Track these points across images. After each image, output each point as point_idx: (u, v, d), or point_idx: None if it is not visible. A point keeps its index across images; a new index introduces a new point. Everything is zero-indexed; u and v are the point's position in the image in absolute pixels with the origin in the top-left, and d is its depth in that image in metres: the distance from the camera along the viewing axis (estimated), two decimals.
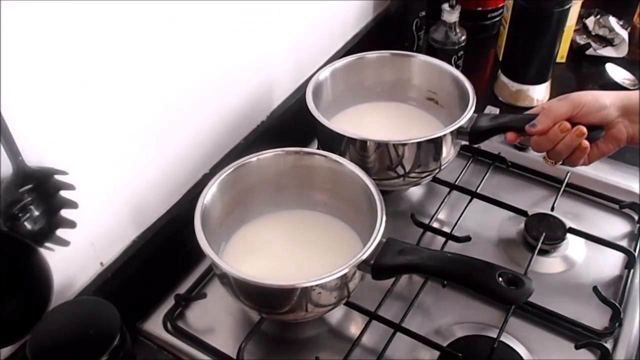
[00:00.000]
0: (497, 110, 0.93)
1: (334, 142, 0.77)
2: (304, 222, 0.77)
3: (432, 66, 0.89)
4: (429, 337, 0.68)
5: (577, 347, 0.68)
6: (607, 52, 1.13)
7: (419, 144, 0.75)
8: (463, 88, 0.83)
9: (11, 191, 0.53)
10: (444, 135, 0.76)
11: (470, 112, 0.78)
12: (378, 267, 0.62)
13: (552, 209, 0.82)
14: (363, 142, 0.76)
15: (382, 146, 0.76)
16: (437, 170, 0.81)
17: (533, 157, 0.90)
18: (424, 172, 0.80)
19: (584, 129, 0.69)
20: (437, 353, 0.67)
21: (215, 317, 0.73)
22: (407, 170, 0.78)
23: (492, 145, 0.91)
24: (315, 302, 0.63)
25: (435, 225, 0.82)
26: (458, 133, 0.78)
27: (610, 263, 0.78)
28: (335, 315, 0.73)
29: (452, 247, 0.77)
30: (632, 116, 0.69)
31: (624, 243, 0.80)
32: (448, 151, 0.79)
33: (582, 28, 1.15)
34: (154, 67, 0.66)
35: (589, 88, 1.09)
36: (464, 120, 0.78)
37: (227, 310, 0.73)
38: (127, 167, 0.67)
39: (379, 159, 0.77)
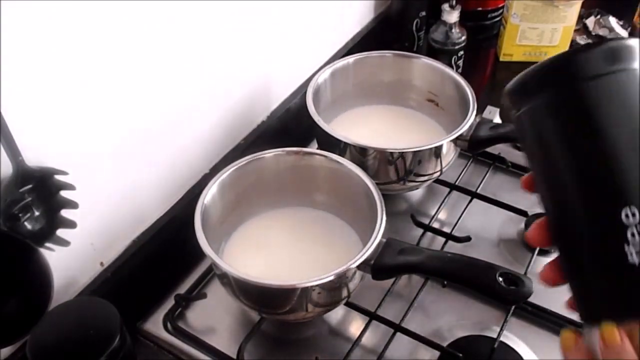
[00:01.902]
0: (497, 110, 0.93)
1: (333, 146, 0.77)
2: (304, 222, 0.77)
3: (433, 69, 0.89)
4: (429, 337, 0.68)
5: None
6: None
7: (418, 151, 0.76)
8: (464, 93, 0.83)
9: (11, 191, 0.53)
10: (444, 143, 0.76)
11: (470, 120, 0.79)
12: (378, 267, 0.62)
13: None
14: (362, 149, 0.76)
15: (381, 153, 0.76)
16: (437, 174, 0.81)
17: None
18: (423, 176, 0.80)
19: None
20: (437, 353, 0.67)
21: (216, 317, 0.73)
22: (406, 175, 0.78)
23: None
24: (315, 302, 0.63)
25: (435, 225, 0.82)
26: (458, 140, 0.78)
27: None
28: (335, 316, 0.73)
29: (452, 247, 0.77)
30: None
31: None
32: (448, 157, 0.79)
33: (582, 28, 1.15)
34: (153, 68, 0.66)
35: None
36: (464, 128, 0.78)
37: (227, 310, 0.73)
38: (127, 167, 0.67)
39: (378, 164, 0.77)
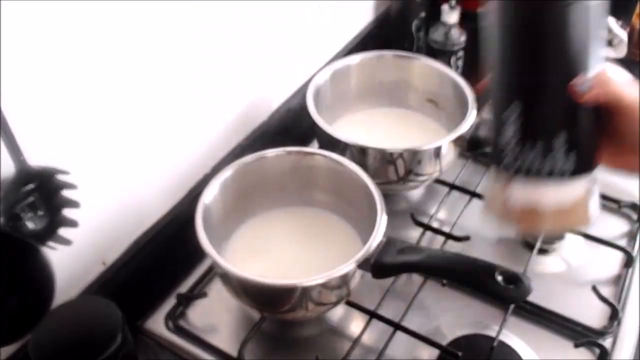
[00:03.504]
0: None
1: (334, 146, 0.78)
2: (304, 221, 0.78)
3: (433, 69, 0.90)
4: (429, 335, 0.68)
5: (576, 346, 0.68)
6: (606, 52, 1.13)
7: (418, 152, 0.76)
8: (463, 93, 0.84)
9: (13, 190, 0.53)
10: (443, 143, 0.77)
11: (470, 119, 0.79)
12: (378, 266, 0.62)
13: None
14: (362, 149, 0.76)
15: (381, 153, 0.76)
16: (436, 174, 0.82)
17: None
18: (423, 176, 0.80)
19: None
20: (436, 352, 0.67)
21: (217, 316, 0.73)
22: (406, 175, 0.78)
23: None
24: (315, 301, 0.63)
25: (435, 224, 0.83)
26: (457, 140, 0.78)
27: (609, 262, 0.78)
28: (336, 314, 0.73)
29: (452, 246, 0.78)
30: None
31: (623, 242, 0.80)
32: (447, 157, 0.80)
33: None
34: (155, 67, 0.66)
35: None
36: (463, 128, 0.78)
37: (228, 309, 0.74)
38: (129, 167, 0.68)
39: (378, 164, 0.77)
